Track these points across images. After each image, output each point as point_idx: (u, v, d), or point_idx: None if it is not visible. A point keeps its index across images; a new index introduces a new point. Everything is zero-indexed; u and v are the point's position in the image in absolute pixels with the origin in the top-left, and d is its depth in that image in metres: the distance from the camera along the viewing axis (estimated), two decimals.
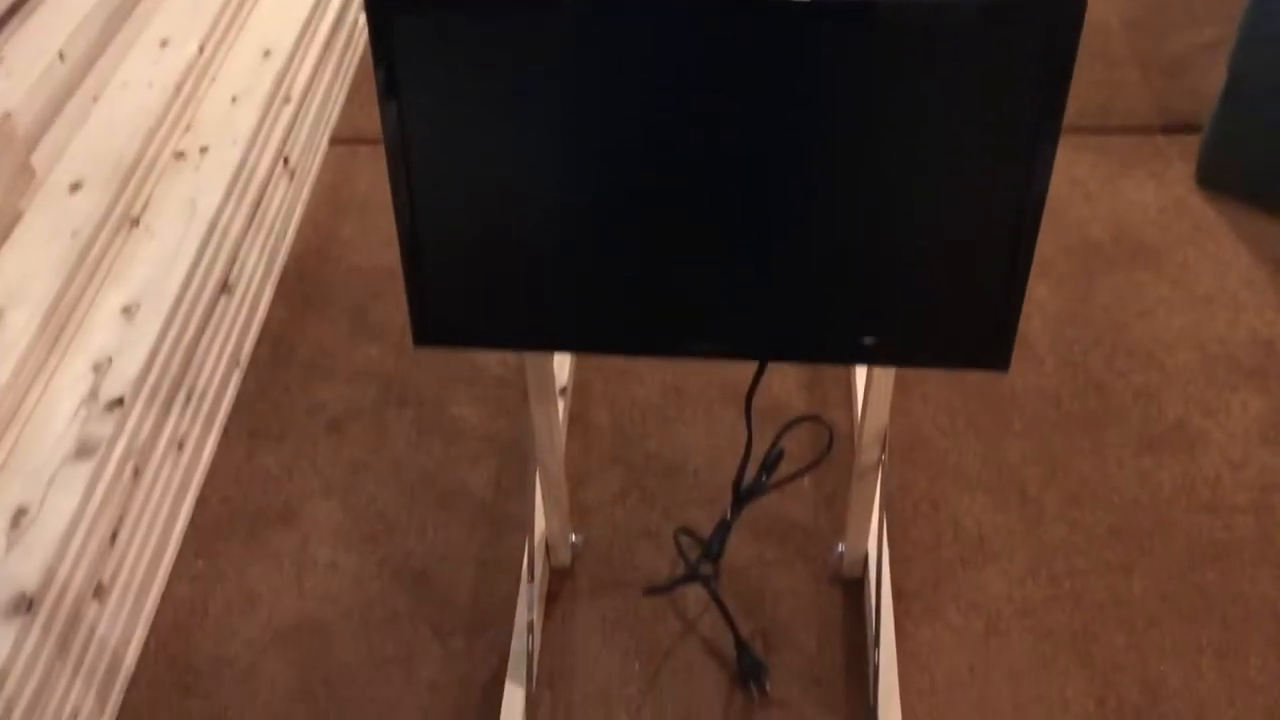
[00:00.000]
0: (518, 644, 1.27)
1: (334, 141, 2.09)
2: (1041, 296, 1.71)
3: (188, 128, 1.76)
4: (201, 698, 1.30)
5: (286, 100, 1.91)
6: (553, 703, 1.28)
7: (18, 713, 1.12)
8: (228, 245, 1.66)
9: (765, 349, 1.08)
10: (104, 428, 1.33)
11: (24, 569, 1.18)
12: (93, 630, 1.25)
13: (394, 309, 1.74)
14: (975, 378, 1.61)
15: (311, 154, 2.00)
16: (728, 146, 0.95)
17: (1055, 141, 0.93)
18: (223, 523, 1.48)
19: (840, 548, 1.37)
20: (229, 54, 1.92)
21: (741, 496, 1.22)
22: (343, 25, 2.20)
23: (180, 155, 1.71)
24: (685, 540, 1.39)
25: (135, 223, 1.61)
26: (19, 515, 1.23)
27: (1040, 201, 0.95)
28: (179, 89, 1.75)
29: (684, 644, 1.33)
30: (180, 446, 1.48)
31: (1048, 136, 0.93)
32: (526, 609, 1.27)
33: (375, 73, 0.94)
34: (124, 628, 1.31)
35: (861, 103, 0.92)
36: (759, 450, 1.36)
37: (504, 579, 1.40)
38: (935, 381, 1.60)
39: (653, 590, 1.30)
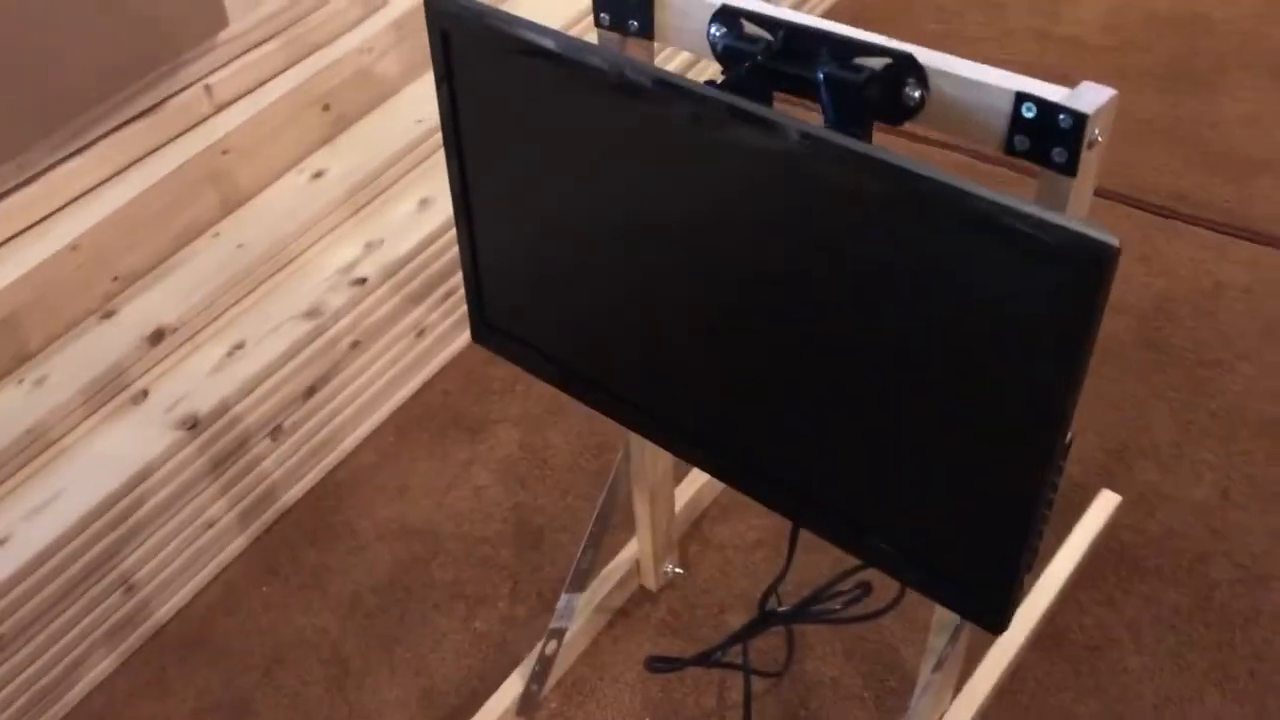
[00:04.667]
0: (541, 644, 1.28)
1: None
2: None
3: None
4: (319, 551, 1.48)
5: None
6: (551, 712, 1.29)
7: (152, 503, 1.35)
8: None
9: (777, 498, 0.95)
10: (337, 299, 1.51)
11: (209, 394, 1.40)
12: (256, 463, 1.47)
13: None
14: (1218, 616, 1.28)
15: None
16: (730, 278, 0.84)
17: (1068, 405, 0.71)
18: (430, 412, 1.63)
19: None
20: None
21: (765, 616, 1.11)
22: None
23: None
24: (772, 618, 1.29)
25: None
26: (236, 348, 1.46)
27: (1046, 459, 0.74)
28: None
29: None
30: (420, 334, 1.63)
31: (1060, 397, 0.71)
32: (559, 615, 1.27)
33: (439, 97, 0.95)
34: (292, 470, 1.52)
35: (868, 265, 0.77)
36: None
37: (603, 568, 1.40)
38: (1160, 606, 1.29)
39: (655, 663, 1.22)
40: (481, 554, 1.45)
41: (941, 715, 1.19)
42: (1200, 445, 1.46)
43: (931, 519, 0.83)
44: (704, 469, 0.98)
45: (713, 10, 0.87)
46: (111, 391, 1.40)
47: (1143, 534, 1.37)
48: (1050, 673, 1.26)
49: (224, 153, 1.57)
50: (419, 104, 1.72)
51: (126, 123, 1.54)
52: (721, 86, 0.85)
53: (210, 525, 1.44)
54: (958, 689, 1.22)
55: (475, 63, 0.90)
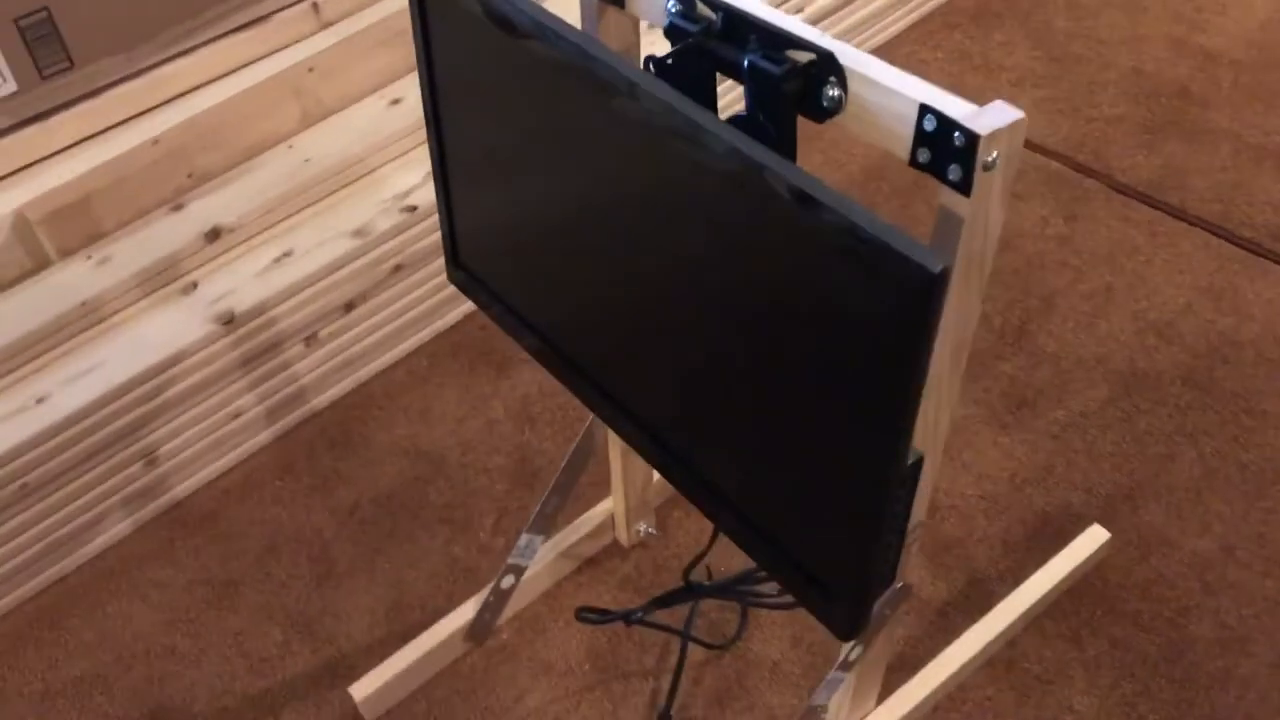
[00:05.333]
0: (498, 577, 1.33)
1: None
2: None
3: None
4: (334, 457, 1.56)
5: None
6: (500, 643, 1.34)
7: (181, 386, 1.46)
8: None
9: (683, 483, 0.96)
10: (386, 222, 1.58)
11: (251, 294, 1.50)
12: (288, 365, 1.56)
13: None
14: (1186, 673, 1.22)
15: None
16: (632, 255, 0.86)
17: (900, 426, 0.70)
18: (468, 344, 1.69)
19: None
20: None
21: (688, 586, 1.13)
22: None
23: None
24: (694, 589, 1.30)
25: None
26: (284, 256, 1.55)
27: (884, 476, 0.73)
28: None
29: (636, 681, 1.29)
30: None
31: (892, 417, 0.70)
32: (518, 552, 1.32)
33: (415, 45, 0.98)
34: (323, 377, 1.60)
35: (717, 257, 0.77)
36: None
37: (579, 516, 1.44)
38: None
39: (584, 613, 1.24)
40: (478, 484, 1.51)
41: (863, 718, 1.19)
42: (1219, 495, 1.39)
43: (796, 524, 0.83)
44: (627, 440, 1.00)
45: None
46: (165, 279, 1.51)
47: (1130, 576, 1.32)
48: (993, 697, 1.24)
49: (310, 70, 1.65)
50: None
51: (234, 30, 1.64)
52: (660, 63, 0.86)
53: (236, 416, 1.54)
54: (887, 695, 1.21)
55: (446, 13, 0.94)
